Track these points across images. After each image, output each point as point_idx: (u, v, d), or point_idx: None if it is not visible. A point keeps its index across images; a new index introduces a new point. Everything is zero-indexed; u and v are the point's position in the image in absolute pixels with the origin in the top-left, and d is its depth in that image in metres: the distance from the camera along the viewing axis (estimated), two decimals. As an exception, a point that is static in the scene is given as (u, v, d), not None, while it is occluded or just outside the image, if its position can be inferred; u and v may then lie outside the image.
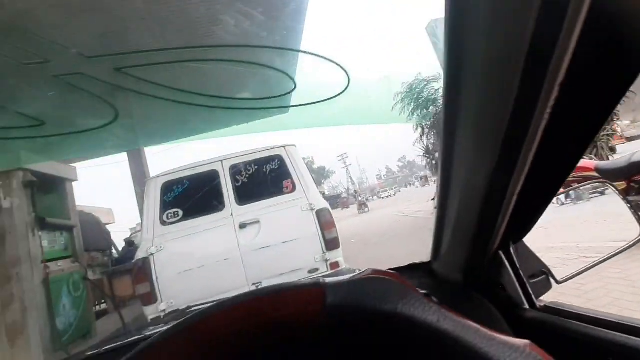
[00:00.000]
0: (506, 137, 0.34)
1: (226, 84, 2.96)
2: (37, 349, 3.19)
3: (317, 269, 3.09)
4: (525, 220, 0.51)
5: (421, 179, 37.47)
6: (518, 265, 0.55)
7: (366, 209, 21.07)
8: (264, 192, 3.32)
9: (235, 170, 3.39)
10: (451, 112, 0.39)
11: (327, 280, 0.29)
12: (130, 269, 6.47)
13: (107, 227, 8.94)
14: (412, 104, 9.49)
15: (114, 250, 8.02)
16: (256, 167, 3.44)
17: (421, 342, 0.27)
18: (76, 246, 4.31)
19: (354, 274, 0.30)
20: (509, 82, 0.30)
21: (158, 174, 3.39)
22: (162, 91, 1.96)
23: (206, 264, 3.01)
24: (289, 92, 2.48)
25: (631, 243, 0.65)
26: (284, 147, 3.51)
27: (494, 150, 0.37)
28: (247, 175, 3.41)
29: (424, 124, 9.77)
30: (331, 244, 3.13)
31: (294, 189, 3.35)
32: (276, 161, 3.47)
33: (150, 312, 2.89)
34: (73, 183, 4.77)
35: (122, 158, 7.59)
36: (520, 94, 0.30)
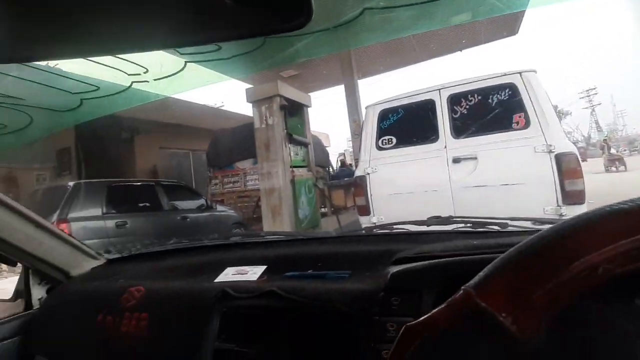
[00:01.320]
0: None
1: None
2: (287, 227, 4.42)
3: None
4: None
5: None
6: None
7: (621, 166, 14.40)
8: (487, 126, 2.93)
9: (454, 101, 3.12)
10: None
11: None
12: (342, 185, 7.69)
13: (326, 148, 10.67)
14: None
15: (330, 168, 9.63)
16: (480, 97, 3.03)
17: None
18: (310, 159, 5.41)
19: None
20: None
21: (377, 101, 3.57)
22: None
23: (415, 192, 3.10)
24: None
25: None
26: (519, 73, 2.87)
27: None
28: (468, 106, 3.07)
29: None
30: (573, 196, 2.50)
31: (527, 124, 2.78)
32: (507, 90, 2.92)
33: (364, 221, 3.35)
34: (309, 109, 5.83)
35: (340, 90, 8.53)
36: None
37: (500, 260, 0.25)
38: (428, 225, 0.92)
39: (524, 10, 4.43)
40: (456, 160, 2.97)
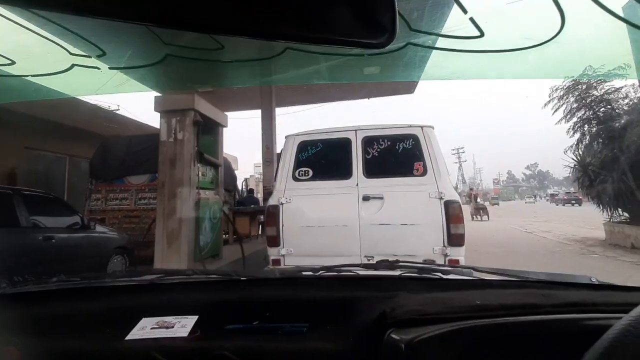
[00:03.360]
0: None
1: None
2: (184, 255, 3.96)
3: (433, 261, 2.91)
4: None
5: (568, 200, 30.06)
6: None
7: (485, 216, 15.61)
8: (392, 170, 3.24)
9: (367, 142, 3.38)
10: None
11: None
12: (249, 212, 7.41)
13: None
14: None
15: (236, 193, 9.24)
16: (389, 142, 3.36)
17: None
18: (219, 181, 5.09)
19: None
20: None
21: (297, 132, 3.62)
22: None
23: (326, 226, 3.16)
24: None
25: None
26: (421, 127, 3.31)
27: None
28: (379, 150, 3.36)
29: (591, 126, 7.80)
30: (456, 239, 2.89)
31: (424, 172, 3.17)
32: (410, 140, 3.31)
33: (272, 253, 3.22)
34: (224, 129, 5.58)
35: (255, 114, 8.48)
36: None
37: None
38: (376, 269, 0.88)
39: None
40: (366, 198, 3.17)
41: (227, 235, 6.55)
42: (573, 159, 8.22)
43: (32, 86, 3.42)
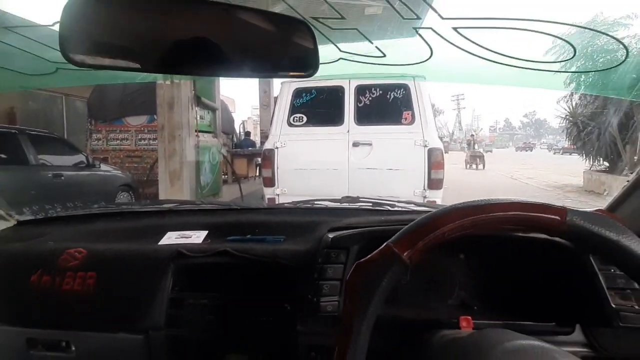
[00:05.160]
0: None
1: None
2: (187, 192, 4.29)
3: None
4: None
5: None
6: None
7: (480, 165, 14.68)
8: (382, 118, 3.43)
9: (360, 91, 3.51)
10: None
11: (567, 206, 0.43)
12: (246, 154, 7.66)
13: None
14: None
15: (234, 136, 9.36)
16: (381, 91, 3.49)
17: (628, 270, 0.40)
18: (217, 125, 5.24)
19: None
20: None
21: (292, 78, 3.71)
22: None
23: (317, 169, 3.44)
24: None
25: None
26: (413, 78, 3.42)
27: None
28: (370, 98, 3.51)
29: (582, 79, 7.83)
30: (435, 183, 3.20)
31: (412, 121, 3.36)
32: (402, 90, 3.45)
33: (268, 193, 3.54)
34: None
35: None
36: None
37: (404, 229, 0.46)
38: (341, 203, 1.15)
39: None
40: (355, 144, 3.41)
41: (226, 176, 6.87)
42: (565, 109, 8.35)
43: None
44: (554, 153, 32.02)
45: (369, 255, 0.45)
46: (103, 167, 5.19)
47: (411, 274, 0.44)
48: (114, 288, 0.77)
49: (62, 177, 4.36)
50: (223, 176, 6.84)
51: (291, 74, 0.53)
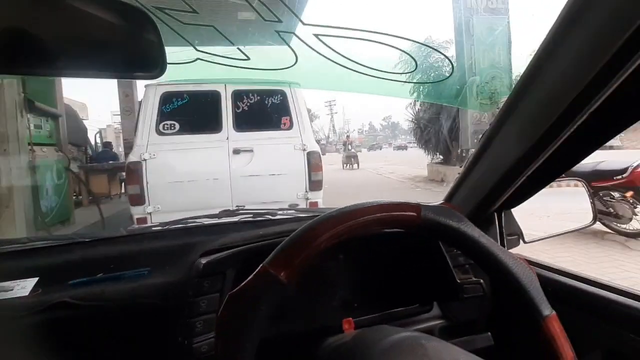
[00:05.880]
0: (546, 131, 0.51)
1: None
2: (21, 224, 3.37)
3: (297, 205, 3.38)
4: (524, 193, 0.70)
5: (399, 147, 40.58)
6: (503, 227, 0.78)
7: (355, 165, 16.00)
8: (261, 124, 3.44)
9: (237, 96, 3.44)
10: (518, 99, 0.55)
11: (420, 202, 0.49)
12: (106, 169, 6.52)
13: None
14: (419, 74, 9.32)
15: (88, 148, 7.88)
16: (258, 97, 3.50)
17: (465, 249, 0.49)
18: (60, 136, 4.29)
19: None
20: (571, 89, 0.44)
21: (158, 81, 3.35)
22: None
23: (197, 180, 3.20)
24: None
25: (584, 225, 0.93)
26: (289, 85, 3.55)
27: (533, 136, 0.54)
28: (249, 104, 3.48)
29: (421, 89, 9.73)
30: (315, 185, 3.40)
31: (291, 126, 3.48)
32: (279, 96, 3.53)
33: (137, 212, 3.09)
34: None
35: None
36: (572, 102, 0.45)
37: (280, 246, 0.44)
38: (219, 218, 1.01)
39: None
40: (236, 152, 3.31)
41: (80, 197, 5.70)
42: (411, 114, 10.20)
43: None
44: (394, 150, 42.80)
45: (244, 282, 0.42)
46: None
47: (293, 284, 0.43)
48: None
49: None
50: (77, 197, 5.67)
51: (135, 74, 0.46)
